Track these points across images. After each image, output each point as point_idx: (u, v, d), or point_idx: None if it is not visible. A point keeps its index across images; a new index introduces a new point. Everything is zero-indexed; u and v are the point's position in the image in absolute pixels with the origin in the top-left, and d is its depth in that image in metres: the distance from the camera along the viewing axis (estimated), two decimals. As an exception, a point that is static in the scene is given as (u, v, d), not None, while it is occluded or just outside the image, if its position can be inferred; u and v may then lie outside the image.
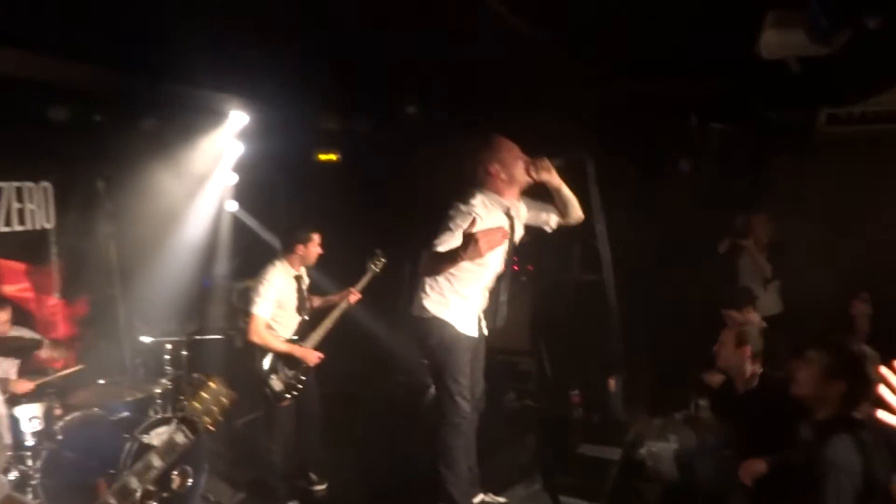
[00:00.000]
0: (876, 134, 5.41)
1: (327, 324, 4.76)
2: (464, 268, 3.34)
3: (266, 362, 4.58)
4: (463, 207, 3.36)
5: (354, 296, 4.87)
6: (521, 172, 3.45)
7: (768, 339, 4.62)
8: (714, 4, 3.68)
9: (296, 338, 4.72)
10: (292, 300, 4.67)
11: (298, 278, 4.73)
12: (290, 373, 4.62)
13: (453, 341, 3.42)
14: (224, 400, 2.05)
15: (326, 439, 5.01)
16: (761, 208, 5.85)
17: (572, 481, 4.61)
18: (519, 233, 3.60)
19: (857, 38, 2.80)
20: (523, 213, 3.65)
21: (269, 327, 4.59)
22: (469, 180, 3.50)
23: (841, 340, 3.09)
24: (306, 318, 4.78)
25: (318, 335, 4.74)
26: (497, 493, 3.79)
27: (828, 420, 2.86)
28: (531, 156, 3.49)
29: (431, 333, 3.46)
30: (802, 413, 3.07)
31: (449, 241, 3.22)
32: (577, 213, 3.68)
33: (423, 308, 3.46)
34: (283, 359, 4.60)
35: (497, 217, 3.40)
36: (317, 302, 4.96)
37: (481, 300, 3.55)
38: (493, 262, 3.44)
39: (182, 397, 4.82)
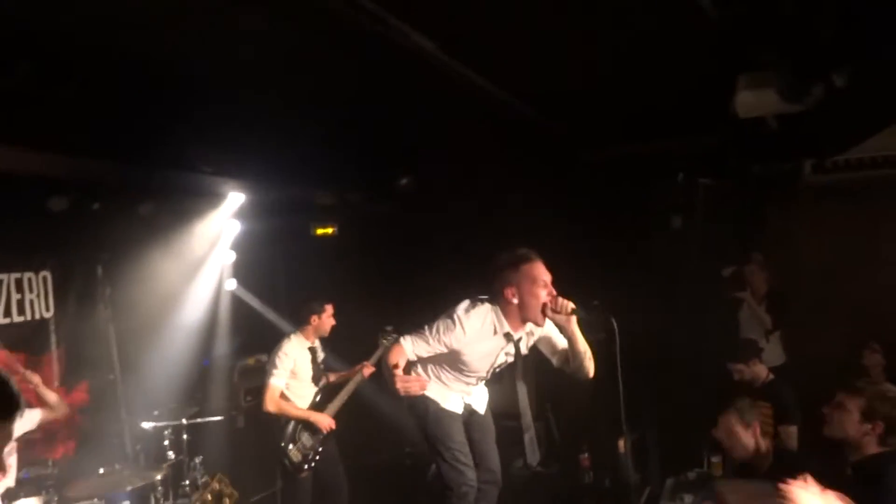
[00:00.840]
0: (862, 180, 5.49)
1: (343, 395, 4.90)
2: (444, 366, 3.40)
3: (284, 433, 4.68)
4: (457, 318, 3.31)
5: (368, 369, 4.94)
6: (536, 307, 3.27)
7: (777, 391, 4.60)
8: (691, 69, 3.81)
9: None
10: (307, 371, 4.85)
11: (313, 350, 4.90)
12: (308, 443, 4.72)
13: (438, 412, 3.44)
14: (228, 501, 2.05)
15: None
16: (752, 259, 5.88)
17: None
18: (521, 352, 3.51)
19: (828, 95, 2.88)
20: (537, 336, 3.54)
21: (284, 397, 4.73)
22: (489, 287, 3.44)
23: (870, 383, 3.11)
24: (320, 389, 4.90)
25: (334, 406, 4.87)
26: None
27: (870, 458, 2.93)
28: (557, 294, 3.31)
29: (416, 406, 3.48)
30: None
31: (419, 346, 3.32)
32: (584, 370, 3.50)
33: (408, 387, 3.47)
34: (301, 429, 4.72)
35: (488, 340, 3.35)
36: (332, 377, 5.07)
37: (467, 392, 3.57)
38: (479, 368, 3.46)
39: (184, 484, 4.74)
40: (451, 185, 6.15)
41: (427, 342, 3.30)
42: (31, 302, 5.05)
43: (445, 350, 3.32)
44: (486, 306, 3.35)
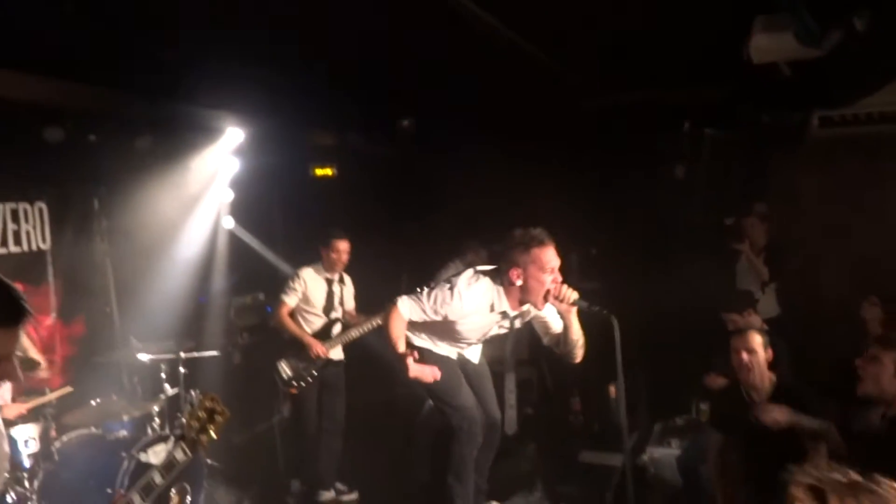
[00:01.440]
0: (869, 135, 5.43)
1: (346, 336, 5.01)
2: (439, 329, 3.39)
3: (282, 349, 4.94)
4: (458, 291, 3.28)
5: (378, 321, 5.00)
6: (539, 292, 3.24)
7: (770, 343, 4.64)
8: (704, 12, 3.72)
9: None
10: (319, 299, 4.98)
11: (330, 281, 5.02)
12: (301, 364, 4.89)
13: (429, 358, 3.44)
14: (220, 418, 2.06)
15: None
16: (750, 211, 5.87)
17: (573, 489, 4.59)
18: (514, 329, 3.50)
19: (846, 39, 2.81)
20: (533, 315, 3.51)
21: (294, 318, 4.96)
22: (495, 257, 3.42)
23: None
24: (335, 321, 5.04)
25: (335, 341, 5.00)
26: (500, 502, 3.77)
27: None
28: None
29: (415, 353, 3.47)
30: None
31: (415, 311, 3.30)
32: (573, 356, 3.50)
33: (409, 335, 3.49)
34: (297, 349, 4.91)
35: (485, 315, 3.34)
36: (351, 318, 5.17)
37: (459, 350, 3.57)
38: (472, 337, 3.45)
39: (180, 415, 4.80)
40: (452, 129, 6.07)
41: (423, 310, 3.27)
42: (28, 233, 5.02)
43: (440, 319, 3.30)
44: (488, 281, 3.31)
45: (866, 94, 4.15)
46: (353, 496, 5.11)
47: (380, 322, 4.77)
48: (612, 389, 5.97)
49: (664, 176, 5.65)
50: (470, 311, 3.28)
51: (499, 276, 3.32)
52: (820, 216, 6.09)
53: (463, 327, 3.37)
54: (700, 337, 4.89)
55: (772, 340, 4.64)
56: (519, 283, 3.25)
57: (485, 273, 3.35)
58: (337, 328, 5.11)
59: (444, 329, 3.42)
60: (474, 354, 3.65)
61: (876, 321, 4.85)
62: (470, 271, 3.38)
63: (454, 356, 3.56)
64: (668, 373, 5.52)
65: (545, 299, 3.24)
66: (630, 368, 5.96)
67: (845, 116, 5.21)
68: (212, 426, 2.05)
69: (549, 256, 3.25)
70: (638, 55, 4.62)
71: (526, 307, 3.39)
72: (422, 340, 3.48)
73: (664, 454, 5.01)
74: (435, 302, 3.28)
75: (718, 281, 5.78)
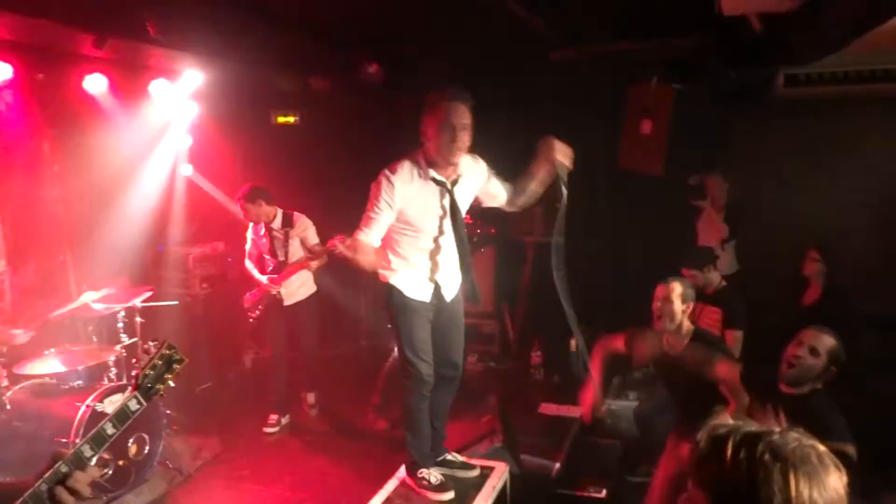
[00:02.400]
0: (833, 96, 5.48)
1: (296, 264, 5.45)
2: (399, 233, 3.30)
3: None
4: (385, 174, 3.21)
5: (308, 260, 5.43)
6: (451, 146, 3.16)
7: (727, 298, 4.74)
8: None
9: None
10: (264, 244, 5.53)
11: (271, 230, 5.47)
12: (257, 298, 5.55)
13: (404, 304, 3.38)
14: (176, 366, 2.01)
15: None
16: (718, 169, 5.92)
17: (533, 440, 4.67)
18: (462, 202, 3.44)
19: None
20: (474, 183, 3.45)
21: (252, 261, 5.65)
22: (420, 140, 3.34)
23: None
24: (285, 259, 5.49)
25: (284, 270, 5.47)
26: (459, 453, 3.81)
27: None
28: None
29: (386, 296, 3.42)
30: None
31: (373, 229, 3.21)
32: (520, 204, 3.58)
33: (380, 274, 3.43)
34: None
35: (422, 192, 3.24)
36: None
37: (433, 266, 3.44)
38: (427, 226, 3.35)
39: (135, 362, 4.73)
40: (419, 76, 5.94)
41: (376, 217, 3.17)
42: (-28, 177, 4.81)
43: (392, 213, 3.21)
44: (407, 158, 3.27)
45: (833, 50, 4.16)
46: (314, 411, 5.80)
47: (318, 252, 5.35)
48: (573, 343, 6.07)
49: (630, 130, 5.63)
50: (404, 188, 3.19)
51: (418, 148, 3.29)
52: (779, 174, 6.17)
53: (412, 214, 3.27)
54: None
55: (728, 297, 4.78)
56: (429, 142, 3.21)
57: (402, 162, 3.29)
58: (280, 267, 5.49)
59: (403, 229, 3.31)
60: (451, 286, 3.54)
61: (817, 275, 5.00)
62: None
63: (429, 296, 3.45)
64: (627, 327, 5.60)
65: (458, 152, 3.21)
66: (590, 323, 6.07)
67: (810, 76, 5.23)
68: (169, 375, 2.00)
69: (456, 112, 3.18)
70: (607, 6, 4.54)
71: (457, 174, 3.33)
72: (397, 280, 3.38)
73: (621, 406, 5.13)
74: (375, 199, 3.19)
75: (679, 237, 5.85)
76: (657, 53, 5.17)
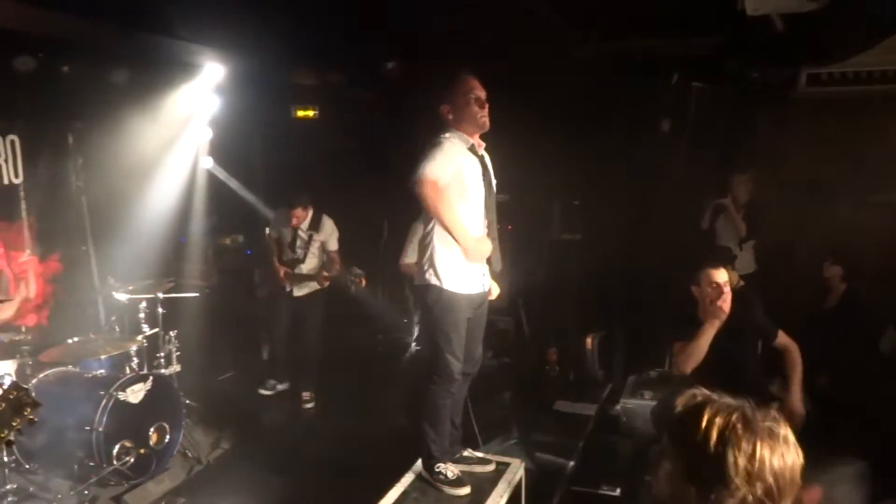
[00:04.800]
0: (855, 95, 5.42)
1: (303, 275, 5.71)
2: (459, 204, 3.29)
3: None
4: (437, 142, 3.22)
5: (324, 279, 5.61)
6: (473, 114, 3.27)
7: (746, 299, 4.72)
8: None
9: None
10: (287, 238, 5.74)
11: (296, 227, 5.66)
12: (269, 279, 5.90)
13: (451, 304, 3.36)
14: (28, 411, 1.87)
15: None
16: (740, 168, 5.88)
17: (547, 437, 4.69)
18: (489, 170, 3.46)
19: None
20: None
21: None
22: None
23: None
24: (301, 256, 5.70)
25: (296, 275, 5.70)
26: (474, 449, 3.83)
27: None
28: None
29: (431, 298, 3.38)
30: None
31: (440, 169, 3.15)
32: None
33: (422, 277, 3.40)
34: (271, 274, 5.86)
35: (468, 158, 3.30)
36: (329, 263, 5.73)
37: (484, 240, 3.42)
38: (476, 201, 3.35)
39: (159, 355, 4.81)
40: (438, 72, 5.94)
41: (441, 162, 3.15)
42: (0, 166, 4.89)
43: (453, 170, 3.20)
44: (439, 138, 3.28)
45: (857, 52, 4.11)
46: (311, 405, 5.83)
47: (325, 274, 5.57)
48: (589, 341, 6.07)
49: (649, 128, 5.61)
50: (457, 155, 3.23)
51: (441, 127, 3.32)
52: (801, 174, 6.11)
53: (469, 185, 3.29)
54: (678, 291, 4.94)
55: (747, 296, 4.75)
56: (451, 116, 3.30)
57: (442, 133, 3.32)
58: (301, 268, 5.71)
59: (461, 193, 3.27)
60: (487, 276, 3.55)
61: (837, 278, 4.97)
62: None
63: (478, 288, 3.45)
64: (645, 326, 5.60)
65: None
66: (608, 321, 6.07)
67: (833, 75, 5.18)
68: (17, 420, 1.82)
69: (477, 84, 3.31)
70: (628, 3, 4.52)
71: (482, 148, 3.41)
72: (449, 275, 3.33)
73: (637, 405, 5.11)
74: (436, 154, 3.17)
75: (698, 236, 5.82)
76: (678, 51, 5.14)
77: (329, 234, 5.68)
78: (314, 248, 5.70)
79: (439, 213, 3.18)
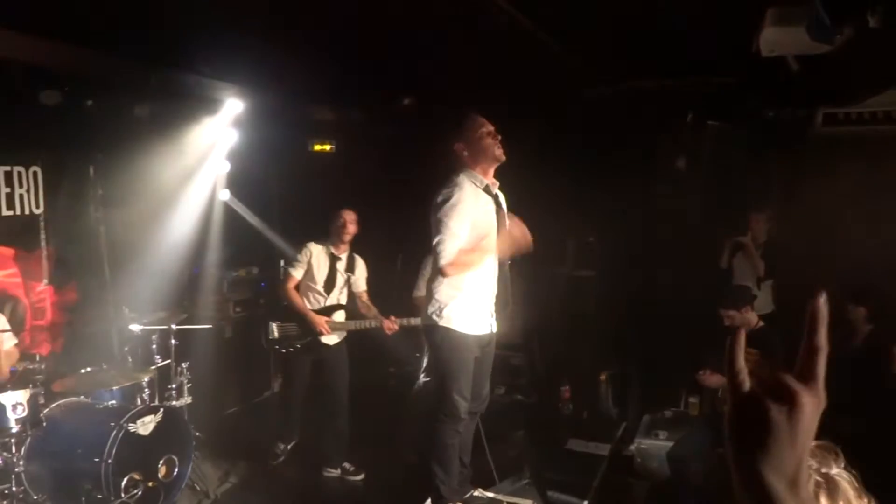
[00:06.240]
0: (872, 135, 5.40)
1: (353, 324, 5.09)
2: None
3: (281, 315, 5.09)
4: (448, 193, 3.30)
5: (391, 326, 5.05)
6: (488, 148, 3.39)
7: (765, 339, 4.64)
8: (714, 2, 3.66)
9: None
10: (322, 273, 5.04)
11: (333, 257, 5.06)
12: (293, 332, 5.03)
13: (459, 344, 3.36)
14: None
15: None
16: (759, 207, 5.84)
17: (560, 477, 4.60)
18: (504, 211, 3.49)
19: (857, 36, 2.77)
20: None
21: (298, 294, 5.04)
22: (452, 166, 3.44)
23: None
24: (338, 308, 5.11)
25: (341, 323, 5.08)
26: (485, 488, 3.77)
27: None
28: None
29: (438, 339, 3.40)
30: None
31: (456, 240, 3.23)
32: None
33: (429, 317, 3.41)
34: (296, 319, 5.03)
35: (482, 200, 3.35)
36: (366, 307, 5.17)
37: (486, 291, 3.44)
38: (492, 242, 3.38)
39: (170, 386, 4.80)
40: (453, 109, 6.01)
41: (456, 231, 3.22)
42: (21, 196, 4.97)
43: (468, 228, 3.27)
44: (454, 179, 3.38)
45: (874, 93, 4.11)
46: (360, 477, 5.14)
47: (374, 324, 4.95)
48: (603, 378, 6.00)
49: (665, 166, 5.61)
50: (472, 200, 3.30)
51: (458, 168, 3.41)
52: (818, 214, 6.06)
53: (483, 220, 3.35)
54: (694, 331, 4.88)
55: (766, 337, 4.68)
56: (466, 153, 3.38)
57: (456, 174, 3.42)
58: (338, 315, 5.14)
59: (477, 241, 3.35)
60: (494, 316, 3.56)
61: (861, 320, 4.89)
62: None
63: (485, 329, 3.47)
64: (660, 366, 5.53)
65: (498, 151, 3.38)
66: (622, 359, 6.00)
67: (849, 115, 5.18)
68: None
69: (486, 122, 3.43)
70: (643, 42, 4.56)
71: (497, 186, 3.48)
72: (456, 316, 3.37)
73: (651, 445, 5.03)
74: (451, 217, 3.24)
75: (715, 275, 5.77)
76: (693, 90, 5.17)
77: (361, 273, 5.19)
78: (346, 289, 5.13)
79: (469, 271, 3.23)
